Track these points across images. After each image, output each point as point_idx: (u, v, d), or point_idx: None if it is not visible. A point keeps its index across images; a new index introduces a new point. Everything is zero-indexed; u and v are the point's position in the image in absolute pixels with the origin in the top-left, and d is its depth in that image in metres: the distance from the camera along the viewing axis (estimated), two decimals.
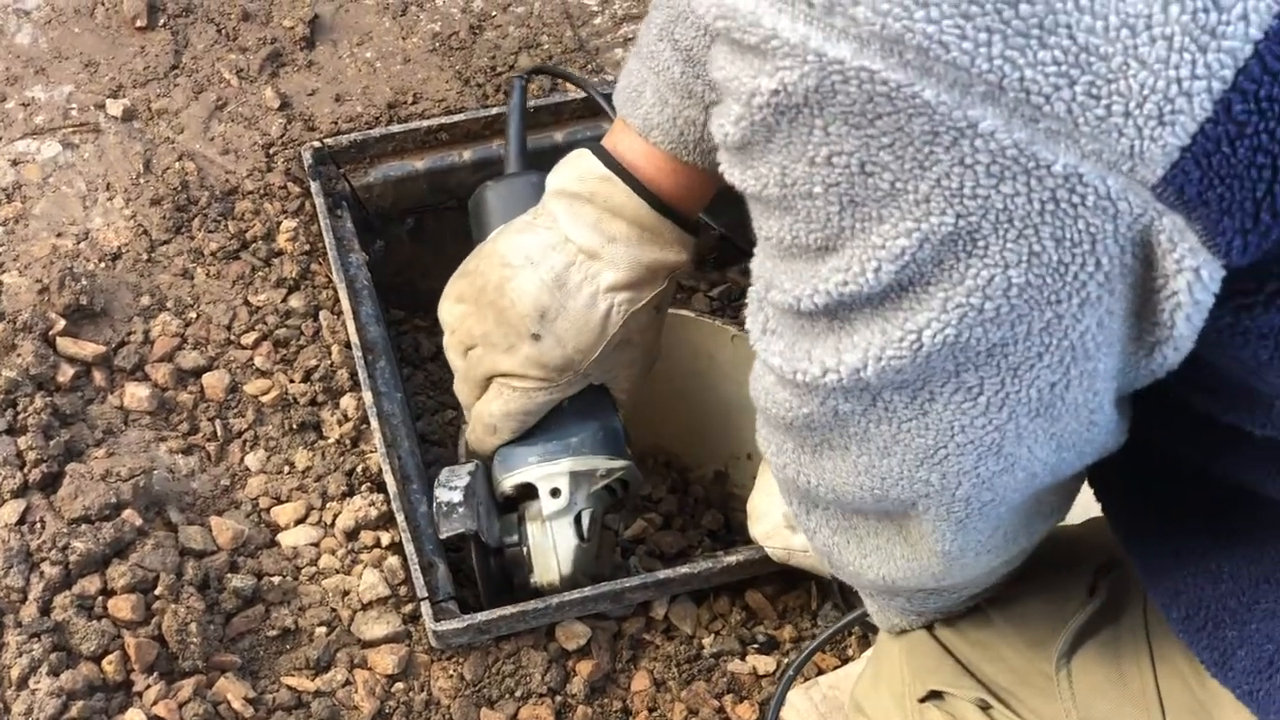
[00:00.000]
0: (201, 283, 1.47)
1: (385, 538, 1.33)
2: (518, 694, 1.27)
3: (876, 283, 0.69)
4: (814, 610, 1.37)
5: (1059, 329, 0.69)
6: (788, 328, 0.77)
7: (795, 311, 0.75)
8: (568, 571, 1.30)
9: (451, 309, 1.29)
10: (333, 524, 1.34)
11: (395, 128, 1.58)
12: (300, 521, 1.34)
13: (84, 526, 1.25)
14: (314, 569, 1.31)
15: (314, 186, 1.52)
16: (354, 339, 1.42)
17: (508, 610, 1.27)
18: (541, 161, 1.36)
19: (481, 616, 1.26)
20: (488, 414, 1.29)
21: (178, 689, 1.20)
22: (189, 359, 1.41)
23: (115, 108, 1.57)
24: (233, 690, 1.22)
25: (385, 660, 1.26)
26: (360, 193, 1.57)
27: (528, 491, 1.31)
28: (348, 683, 1.25)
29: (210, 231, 1.50)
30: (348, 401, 1.40)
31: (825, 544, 0.96)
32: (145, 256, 1.47)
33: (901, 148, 0.64)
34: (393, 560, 1.31)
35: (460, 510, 1.27)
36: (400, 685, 1.26)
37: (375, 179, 1.57)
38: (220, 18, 1.67)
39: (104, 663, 1.21)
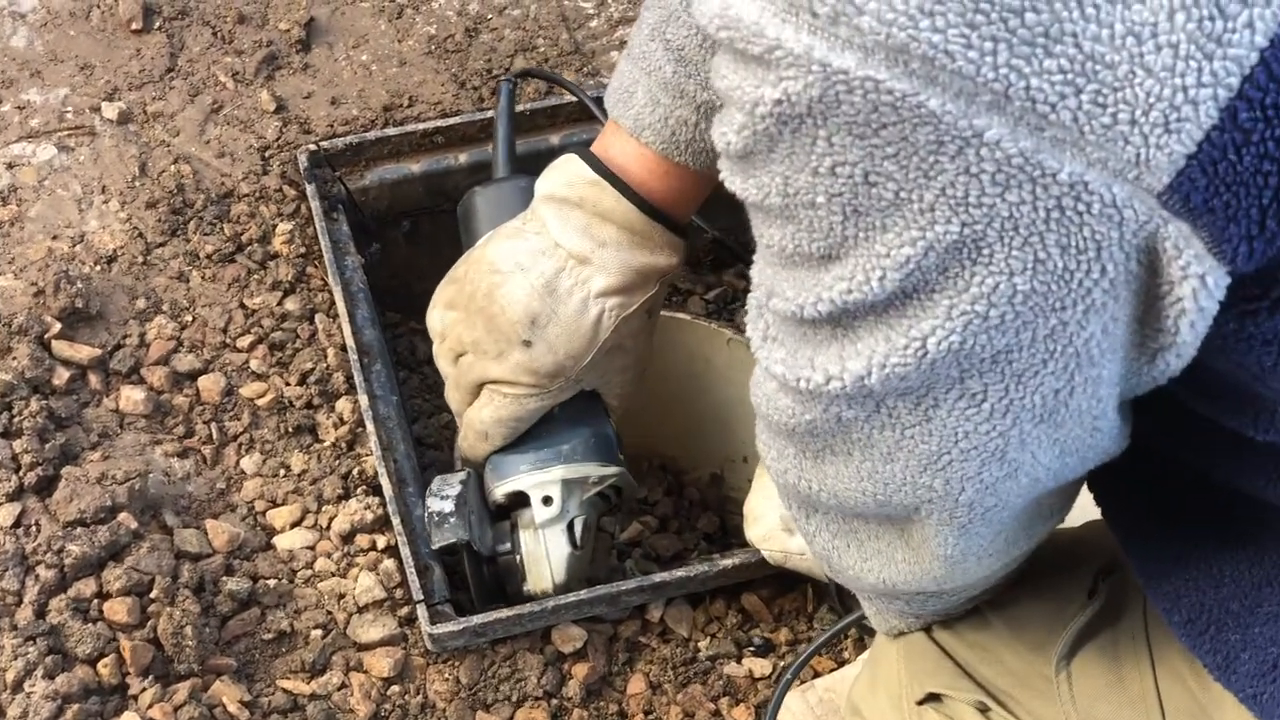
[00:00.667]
0: (197, 286, 1.46)
1: (381, 541, 1.33)
2: (513, 697, 1.27)
3: (881, 291, 0.69)
4: (810, 613, 1.37)
5: (1064, 335, 0.70)
6: (790, 335, 0.77)
7: (798, 319, 0.75)
8: (561, 579, 1.30)
9: (441, 316, 1.29)
10: (328, 527, 1.33)
11: (391, 130, 1.57)
12: (296, 524, 1.33)
13: (79, 530, 1.25)
14: (309, 572, 1.31)
15: (310, 189, 1.51)
16: (350, 342, 1.42)
17: (503, 613, 1.27)
18: (538, 164, 1.35)
19: (477, 619, 1.26)
20: (479, 421, 1.28)
21: (173, 692, 1.20)
22: (184, 362, 1.41)
23: (111, 111, 1.57)
24: (228, 693, 1.21)
25: (381, 663, 1.26)
26: (356, 195, 1.56)
27: (520, 499, 1.31)
28: (343, 686, 1.25)
29: (206, 234, 1.49)
30: (343, 405, 1.40)
31: (825, 548, 0.96)
32: (141, 259, 1.47)
33: (906, 157, 0.64)
34: (388, 563, 1.31)
35: (452, 519, 1.26)
36: (396, 688, 1.25)
37: (371, 182, 1.57)
38: (216, 20, 1.66)
39: (99, 666, 1.20)
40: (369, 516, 1.33)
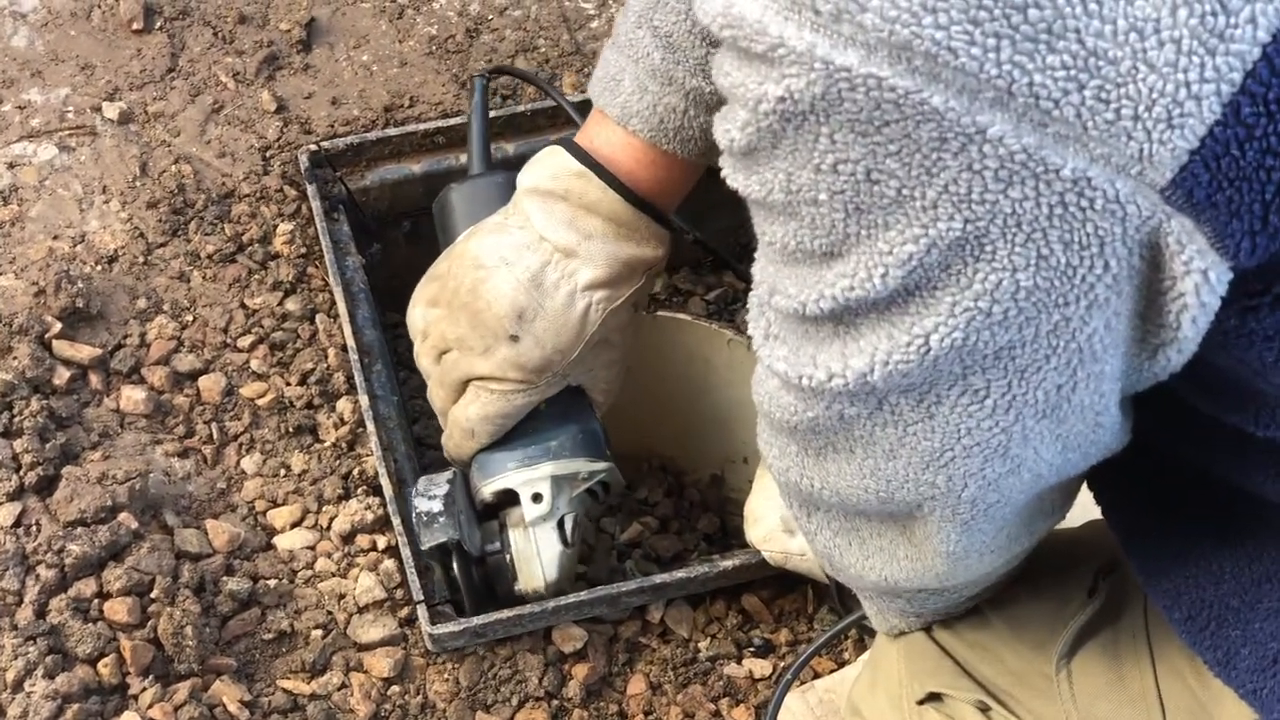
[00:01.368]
0: (198, 286, 1.46)
1: (381, 541, 1.33)
2: (514, 698, 1.27)
3: (883, 288, 0.69)
4: (810, 614, 1.37)
5: (1066, 331, 0.70)
6: (792, 333, 0.77)
7: (800, 316, 0.75)
8: (553, 578, 1.28)
9: (423, 314, 1.27)
10: (329, 527, 1.33)
11: (392, 131, 1.57)
12: (296, 525, 1.33)
13: (80, 529, 1.25)
14: (310, 572, 1.31)
15: (310, 189, 1.51)
16: (350, 342, 1.42)
17: (504, 614, 1.26)
18: None
19: (478, 620, 1.26)
20: (465, 418, 1.27)
21: (173, 692, 1.20)
22: (185, 362, 1.41)
23: (111, 110, 1.57)
24: (228, 693, 1.21)
25: (381, 663, 1.26)
26: (357, 196, 1.56)
27: (508, 498, 1.29)
28: (344, 686, 1.25)
29: (206, 234, 1.49)
30: (344, 405, 1.40)
31: (826, 546, 0.96)
32: (141, 259, 1.47)
33: (909, 154, 0.64)
34: (389, 564, 1.31)
35: (442, 519, 1.25)
36: (396, 688, 1.25)
37: (372, 182, 1.57)
38: (217, 20, 1.67)
39: (99, 666, 1.20)
40: (369, 517, 1.33)
